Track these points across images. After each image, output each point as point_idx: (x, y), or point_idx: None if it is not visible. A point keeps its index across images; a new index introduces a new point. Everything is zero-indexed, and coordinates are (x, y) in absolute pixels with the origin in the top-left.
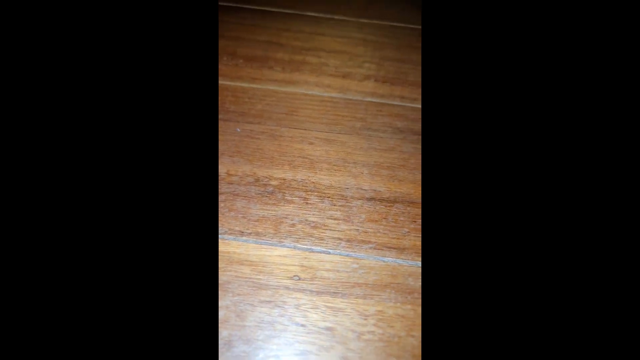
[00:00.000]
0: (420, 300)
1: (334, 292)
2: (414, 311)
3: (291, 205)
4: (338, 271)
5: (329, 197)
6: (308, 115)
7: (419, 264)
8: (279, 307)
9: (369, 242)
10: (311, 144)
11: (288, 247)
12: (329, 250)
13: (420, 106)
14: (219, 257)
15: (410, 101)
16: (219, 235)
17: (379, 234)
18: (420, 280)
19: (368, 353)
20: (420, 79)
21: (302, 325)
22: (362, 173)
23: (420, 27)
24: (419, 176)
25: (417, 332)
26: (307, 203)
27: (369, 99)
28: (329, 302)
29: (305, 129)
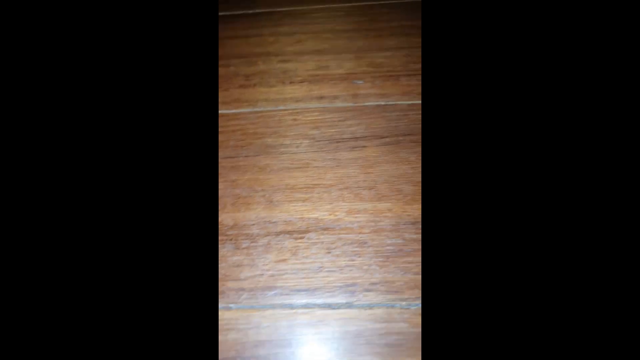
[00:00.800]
0: (337, 351)
1: (233, 357)
2: None
3: None
4: (238, 329)
5: (231, 240)
6: None
7: (333, 306)
8: None
9: (275, 287)
10: None
11: None
12: (230, 305)
13: (342, 104)
14: None
15: (329, 100)
16: None
17: (286, 276)
18: (335, 325)
19: None
20: (342, 70)
21: None
22: (272, 202)
23: (346, 4)
24: (335, 194)
25: None
26: None
27: (282, 107)
28: None
29: None
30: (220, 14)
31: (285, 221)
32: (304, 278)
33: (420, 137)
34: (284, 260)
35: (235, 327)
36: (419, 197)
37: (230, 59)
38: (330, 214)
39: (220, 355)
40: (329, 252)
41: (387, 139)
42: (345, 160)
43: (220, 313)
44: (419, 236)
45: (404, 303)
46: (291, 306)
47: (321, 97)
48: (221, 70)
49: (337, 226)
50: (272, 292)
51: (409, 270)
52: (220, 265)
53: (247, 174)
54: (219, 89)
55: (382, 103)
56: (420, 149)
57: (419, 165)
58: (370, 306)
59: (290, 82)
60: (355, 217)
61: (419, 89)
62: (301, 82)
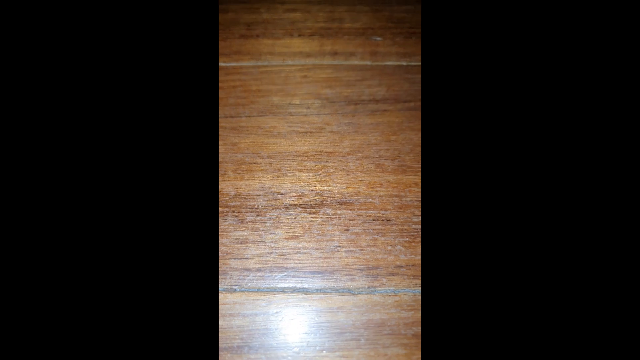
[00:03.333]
0: (358, 342)
1: (239, 346)
2: None
3: None
4: (244, 315)
5: (234, 212)
6: None
7: (354, 291)
8: None
9: (286, 267)
10: None
11: None
12: (233, 287)
13: (359, 62)
14: None
15: (344, 58)
16: None
17: (298, 256)
18: (355, 313)
19: None
20: (358, 25)
21: None
22: (280, 170)
23: None
24: (353, 164)
25: None
26: None
27: (290, 62)
28: None
29: None
30: None
31: (296, 193)
32: (319, 258)
33: None
34: (296, 237)
35: (240, 312)
36: None
37: (228, 3)
38: (348, 187)
39: (225, 343)
40: (347, 230)
41: (412, 104)
42: (365, 125)
43: (222, 296)
44: None
45: None
46: (305, 290)
47: (335, 53)
48: (219, 17)
49: (356, 200)
50: (283, 274)
51: None
52: (220, 242)
53: (250, 136)
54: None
55: (404, 63)
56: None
57: None
58: (395, 292)
59: (299, 35)
60: (377, 190)
61: None
62: (311, 35)
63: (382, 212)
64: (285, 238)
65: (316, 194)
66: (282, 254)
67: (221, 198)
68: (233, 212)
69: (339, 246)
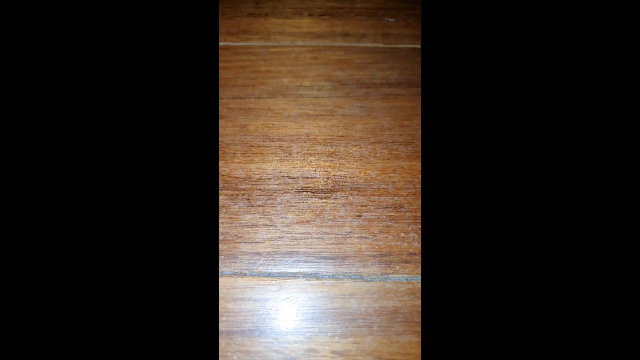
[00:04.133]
0: (371, 328)
1: (250, 330)
2: (357, 346)
3: None
4: (255, 300)
5: (243, 195)
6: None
7: (366, 277)
8: None
9: (297, 252)
10: (221, 118)
11: None
12: (244, 271)
13: (371, 44)
14: None
15: (356, 39)
16: None
17: (310, 240)
18: (368, 300)
19: None
20: (370, 4)
21: None
22: (290, 154)
23: None
24: (366, 149)
25: None
26: None
27: (300, 42)
28: (243, 346)
29: None
30: None
31: (307, 177)
32: (331, 244)
33: None
34: (307, 222)
35: (250, 297)
36: None
37: None
38: (360, 172)
39: (236, 327)
40: (360, 216)
41: None
42: (377, 109)
43: (232, 280)
44: None
45: None
46: (316, 276)
47: (346, 35)
48: None
49: (369, 186)
50: (294, 259)
51: None
52: (230, 225)
53: (259, 118)
54: (222, 17)
55: (418, 46)
56: None
57: None
58: (408, 280)
59: (310, 14)
60: (390, 176)
61: None
62: (322, 15)
63: (396, 198)
64: (297, 222)
65: (327, 178)
66: (294, 239)
67: (231, 181)
68: (243, 195)
69: (351, 232)
